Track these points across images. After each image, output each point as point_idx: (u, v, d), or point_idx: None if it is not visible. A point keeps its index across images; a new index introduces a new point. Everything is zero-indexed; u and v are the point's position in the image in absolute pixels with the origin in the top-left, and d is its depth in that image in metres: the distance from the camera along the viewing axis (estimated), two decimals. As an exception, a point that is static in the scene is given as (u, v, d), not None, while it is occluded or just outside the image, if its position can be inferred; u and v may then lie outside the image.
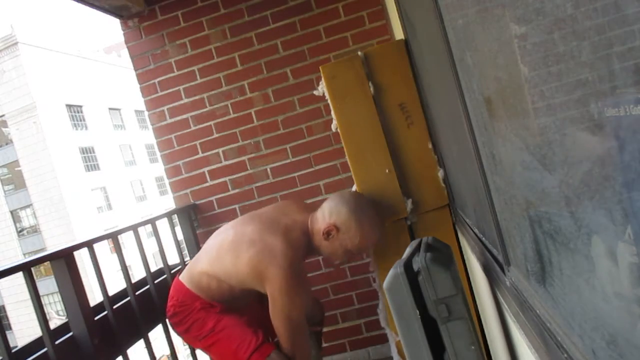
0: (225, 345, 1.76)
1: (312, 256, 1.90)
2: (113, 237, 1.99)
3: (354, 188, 2.01)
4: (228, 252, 1.78)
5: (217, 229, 2.61)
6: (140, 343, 1.99)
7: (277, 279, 1.67)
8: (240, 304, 1.87)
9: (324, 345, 2.34)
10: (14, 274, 1.51)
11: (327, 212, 1.78)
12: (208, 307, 1.81)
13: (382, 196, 1.94)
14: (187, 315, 1.81)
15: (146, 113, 2.68)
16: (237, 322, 1.79)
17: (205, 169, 2.64)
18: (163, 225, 2.37)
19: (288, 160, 2.59)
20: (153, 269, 2.20)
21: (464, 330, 1.05)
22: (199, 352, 2.39)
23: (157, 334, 2.17)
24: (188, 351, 2.30)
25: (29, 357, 1.50)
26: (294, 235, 1.75)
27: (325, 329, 2.34)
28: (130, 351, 1.88)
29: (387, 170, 1.93)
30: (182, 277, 1.88)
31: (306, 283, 1.83)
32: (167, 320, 2.06)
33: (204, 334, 1.79)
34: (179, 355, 2.12)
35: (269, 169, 2.60)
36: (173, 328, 1.89)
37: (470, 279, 1.80)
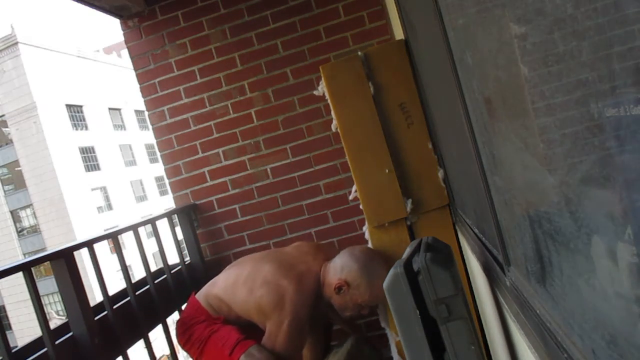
0: (213, 345, 1.85)
1: (322, 308, 1.93)
2: (113, 237, 1.99)
3: (354, 188, 2.01)
4: (243, 286, 1.88)
5: (217, 229, 2.63)
6: (140, 343, 1.99)
7: (279, 321, 1.77)
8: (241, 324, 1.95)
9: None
10: (14, 274, 1.51)
11: (339, 267, 1.84)
12: (210, 320, 1.90)
13: (381, 196, 1.94)
14: (191, 327, 1.91)
15: (146, 113, 2.68)
16: (228, 327, 1.87)
17: (205, 169, 2.64)
18: (163, 225, 2.37)
19: (288, 160, 2.59)
20: (153, 269, 2.20)
21: (464, 330, 1.05)
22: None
23: (157, 334, 2.17)
24: (188, 351, 2.30)
25: (29, 357, 1.50)
26: (306, 283, 1.83)
27: (325, 329, 2.34)
28: (130, 351, 1.88)
29: (387, 170, 1.93)
30: (199, 295, 1.99)
31: (306, 334, 1.86)
32: (166, 321, 2.07)
33: (199, 341, 1.87)
34: (179, 355, 2.12)
35: (269, 169, 2.60)
36: (177, 339, 1.98)
37: (470, 279, 1.80)
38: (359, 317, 1.99)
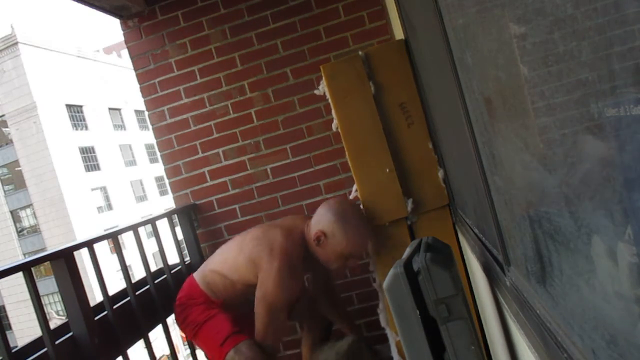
0: (206, 332, 1.89)
1: (311, 264, 1.96)
2: (113, 237, 1.99)
3: (354, 188, 2.01)
4: (234, 249, 1.97)
5: (217, 229, 2.63)
6: (140, 343, 1.99)
7: (269, 266, 1.81)
8: (237, 304, 1.97)
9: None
10: (14, 274, 1.51)
11: (317, 220, 1.90)
12: (208, 303, 1.93)
13: (382, 196, 1.94)
14: (188, 308, 1.95)
15: (146, 113, 2.68)
16: (226, 315, 1.90)
17: (205, 169, 2.64)
18: (163, 225, 2.37)
19: (288, 160, 2.58)
20: (153, 269, 2.20)
21: (464, 330, 1.05)
22: (199, 352, 2.39)
23: (157, 334, 2.17)
24: (188, 351, 2.30)
25: (29, 357, 1.50)
26: (294, 235, 1.89)
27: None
28: (130, 351, 1.88)
29: (387, 170, 1.93)
30: (195, 275, 2.03)
31: (298, 280, 1.90)
32: (166, 321, 2.06)
33: (195, 324, 1.91)
34: (179, 355, 2.12)
35: (269, 169, 2.60)
36: (175, 318, 2.02)
37: (470, 279, 1.80)
38: (346, 268, 2.00)
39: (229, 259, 1.96)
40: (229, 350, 1.81)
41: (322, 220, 1.87)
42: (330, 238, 1.84)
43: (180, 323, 1.97)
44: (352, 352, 2.06)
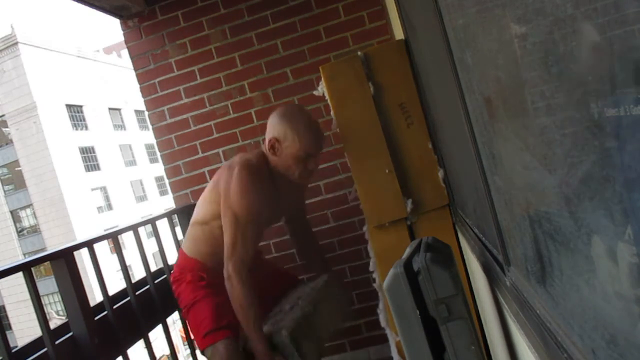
0: (194, 317, 1.89)
1: (277, 181, 1.94)
2: (113, 237, 1.99)
3: (354, 188, 2.01)
4: (204, 194, 2.00)
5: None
6: (140, 343, 1.99)
7: (229, 176, 1.82)
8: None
9: (325, 345, 2.34)
10: (14, 274, 1.51)
11: (267, 132, 1.89)
12: (196, 281, 1.94)
13: (381, 196, 1.94)
14: (180, 285, 1.96)
15: (146, 113, 2.68)
16: (212, 301, 1.88)
17: (205, 169, 2.64)
18: (163, 225, 2.37)
19: (288, 160, 2.58)
20: (153, 269, 2.20)
21: (464, 330, 1.05)
22: (198, 352, 2.39)
23: (157, 334, 2.17)
24: (188, 351, 2.30)
25: (29, 357, 1.50)
26: (253, 154, 1.91)
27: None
28: (130, 351, 1.88)
29: (387, 170, 1.93)
30: (183, 245, 2.05)
31: (262, 194, 1.84)
32: (166, 321, 2.06)
33: (184, 305, 1.93)
34: (179, 355, 2.12)
35: (269, 169, 2.60)
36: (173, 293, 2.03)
37: (470, 279, 1.80)
38: (309, 173, 1.93)
39: (200, 204, 1.98)
40: (207, 345, 1.82)
41: (271, 128, 1.87)
42: (283, 142, 1.83)
43: (177, 300, 1.99)
44: (326, 288, 2.04)
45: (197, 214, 2.00)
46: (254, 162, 1.86)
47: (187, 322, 1.98)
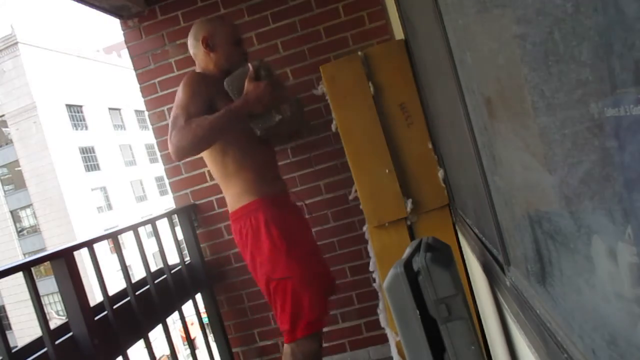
0: (293, 298, 1.80)
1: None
2: (113, 237, 1.99)
3: (354, 188, 2.01)
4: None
5: (217, 229, 2.63)
6: (140, 343, 1.99)
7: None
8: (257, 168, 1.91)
9: (325, 345, 2.34)
10: (14, 274, 1.51)
11: (194, 41, 1.95)
12: (277, 222, 1.84)
13: (381, 196, 1.94)
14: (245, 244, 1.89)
15: (146, 113, 2.68)
16: (305, 274, 1.82)
17: (205, 169, 2.63)
18: (163, 225, 2.37)
19: (288, 160, 2.58)
20: (153, 269, 2.20)
21: (464, 330, 1.05)
22: (198, 352, 2.39)
23: (157, 334, 2.17)
24: (188, 351, 2.30)
25: (29, 357, 1.50)
26: (191, 71, 1.97)
27: (325, 329, 2.33)
28: (131, 351, 1.88)
29: (387, 170, 1.93)
30: (230, 208, 1.94)
31: (207, 86, 1.83)
32: (166, 321, 2.05)
33: (276, 274, 1.82)
34: (179, 355, 2.12)
35: (269, 169, 2.59)
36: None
37: (470, 279, 1.80)
38: (245, 53, 2.01)
39: (210, 166, 1.98)
40: (305, 335, 1.79)
41: (196, 32, 1.93)
42: (213, 36, 1.91)
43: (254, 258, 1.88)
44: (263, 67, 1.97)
45: (212, 171, 1.98)
46: (199, 73, 1.90)
47: (270, 292, 1.85)
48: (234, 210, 1.90)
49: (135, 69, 2.66)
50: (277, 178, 2.01)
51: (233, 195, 1.90)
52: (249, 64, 1.88)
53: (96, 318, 1.75)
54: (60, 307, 20.25)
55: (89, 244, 1.83)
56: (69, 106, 23.32)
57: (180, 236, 2.48)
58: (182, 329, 2.26)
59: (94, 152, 24.19)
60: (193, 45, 1.96)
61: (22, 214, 23.47)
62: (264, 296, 1.99)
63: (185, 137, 1.70)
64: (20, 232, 23.51)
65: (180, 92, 1.80)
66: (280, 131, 1.99)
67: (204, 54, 1.93)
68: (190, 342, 2.22)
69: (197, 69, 1.99)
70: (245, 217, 1.85)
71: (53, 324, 1.60)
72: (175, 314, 2.26)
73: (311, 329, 1.80)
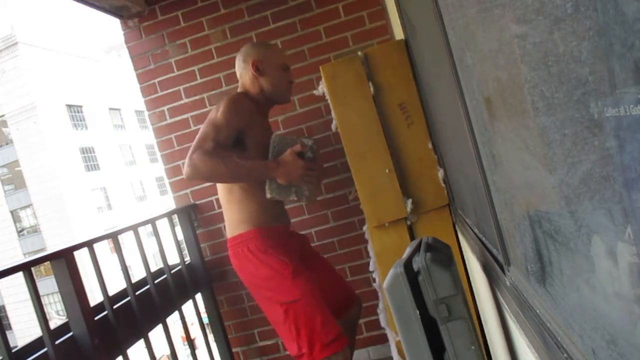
0: (304, 319, 1.76)
1: (268, 105, 2.03)
2: (113, 237, 1.99)
3: (354, 188, 2.01)
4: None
5: (217, 229, 2.63)
6: (140, 343, 1.99)
7: (216, 107, 1.84)
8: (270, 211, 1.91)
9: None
10: (14, 274, 1.51)
11: (243, 62, 1.97)
12: (278, 252, 1.83)
13: (381, 196, 1.94)
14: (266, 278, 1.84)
15: (146, 113, 2.68)
16: (313, 295, 1.78)
17: (205, 169, 2.64)
18: (163, 225, 2.37)
19: (288, 160, 2.58)
20: (153, 269, 2.20)
21: (464, 330, 1.05)
22: (198, 352, 2.39)
23: (157, 334, 2.17)
24: (188, 351, 2.30)
25: (29, 357, 1.50)
26: (234, 93, 1.93)
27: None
28: (131, 351, 1.88)
29: (387, 170, 1.93)
30: (229, 234, 1.93)
31: (246, 111, 1.86)
32: (166, 321, 2.05)
33: (283, 299, 1.79)
34: (179, 355, 2.12)
35: (269, 169, 2.59)
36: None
37: (470, 279, 1.80)
38: (291, 81, 2.03)
39: (220, 192, 1.96)
40: (329, 354, 1.72)
41: (246, 56, 1.96)
42: (263, 61, 1.93)
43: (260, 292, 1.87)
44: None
45: (219, 194, 1.97)
46: (239, 96, 1.90)
47: (286, 320, 1.78)
48: (231, 236, 1.91)
49: (135, 69, 2.66)
50: (281, 214, 1.99)
51: (232, 222, 1.90)
52: (303, 140, 1.90)
53: (96, 318, 1.75)
54: (60, 307, 20.25)
55: (89, 244, 1.83)
56: (69, 106, 23.32)
57: (180, 236, 2.48)
58: (182, 329, 2.26)
59: (94, 152, 24.19)
60: (241, 67, 1.98)
61: (22, 214, 23.47)
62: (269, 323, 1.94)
63: (206, 165, 1.69)
64: (20, 232, 23.51)
65: (220, 110, 1.79)
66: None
67: (251, 77, 1.94)
68: (190, 342, 2.22)
69: (240, 88, 2.01)
70: (242, 245, 1.86)
71: (53, 324, 1.60)
72: (175, 314, 2.26)
73: (328, 350, 1.74)
